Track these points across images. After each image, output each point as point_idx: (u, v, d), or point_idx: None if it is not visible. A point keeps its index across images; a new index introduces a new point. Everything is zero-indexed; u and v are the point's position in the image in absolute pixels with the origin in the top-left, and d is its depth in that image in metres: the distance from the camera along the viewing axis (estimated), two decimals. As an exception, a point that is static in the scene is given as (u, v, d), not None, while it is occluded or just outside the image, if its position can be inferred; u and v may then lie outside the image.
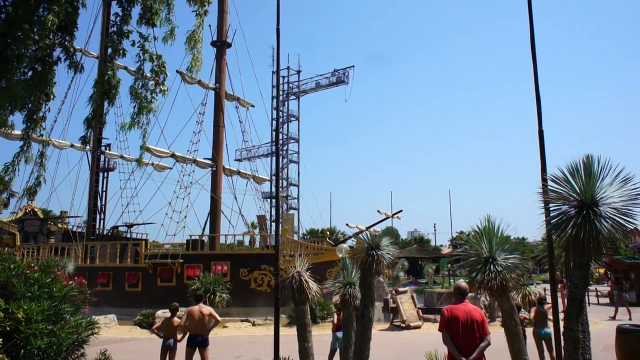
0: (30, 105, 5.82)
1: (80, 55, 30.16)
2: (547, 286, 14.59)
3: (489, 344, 5.49)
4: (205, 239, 27.33)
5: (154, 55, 6.21)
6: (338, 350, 9.25)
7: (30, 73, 5.69)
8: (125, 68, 27.95)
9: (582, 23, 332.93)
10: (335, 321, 9.75)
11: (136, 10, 6.15)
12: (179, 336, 9.40)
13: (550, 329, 9.50)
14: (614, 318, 19.81)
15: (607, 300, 27.71)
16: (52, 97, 5.94)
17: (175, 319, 9.42)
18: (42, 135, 6.58)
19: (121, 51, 6.08)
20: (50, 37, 5.60)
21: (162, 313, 17.11)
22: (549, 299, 10.11)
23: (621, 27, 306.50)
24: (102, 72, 5.96)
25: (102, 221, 33.54)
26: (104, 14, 29.87)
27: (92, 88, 6.07)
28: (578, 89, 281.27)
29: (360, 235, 15.66)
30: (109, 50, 6.13)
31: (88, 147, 17.90)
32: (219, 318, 9.32)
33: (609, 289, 29.35)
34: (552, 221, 5.94)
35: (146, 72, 6.22)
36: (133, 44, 6.10)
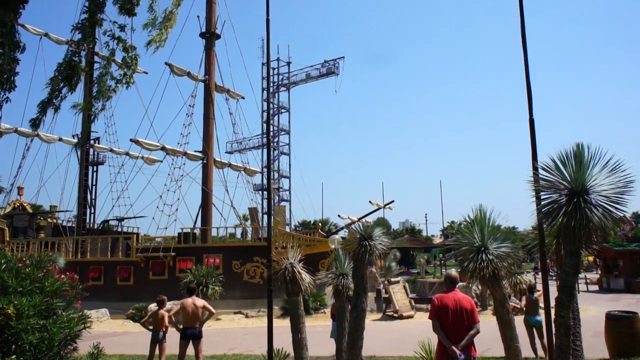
0: None
1: (66, 48, 29.58)
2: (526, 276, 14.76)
3: (478, 331, 5.53)
4: (197, 231, 27.24)
5: (129, 46, 6.13)
6: (333, 340, 9.28)
7: None
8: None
9: (581, 14, 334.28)
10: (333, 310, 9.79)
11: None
12: (168, 327, 9.39)
13: (540, 316, 9.59)
14: None
15: (596, 287, 28.08)
16: (14, 87, 5.82)
17: (161, 311, 9.42)
18: None
19: (91, 39, 6.01)
20: None
21: (155, 307, 17.05)
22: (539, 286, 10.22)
23: (621, 21, 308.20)
24: (81, 58, 5.86)
25: (92, 215, 33.32)
26: (90, 5, 29.37)
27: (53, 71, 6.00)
28: (575, 74, 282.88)
29: (352, 226, 15.68)
30: (78, 35, 6.01)
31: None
32: (212, 310, 9.31)
33: (597, 276, 29.75)
34: (543, 209, 5.97)
35: (117, 59, 6.18)
36: (105, 33, 6.02)
